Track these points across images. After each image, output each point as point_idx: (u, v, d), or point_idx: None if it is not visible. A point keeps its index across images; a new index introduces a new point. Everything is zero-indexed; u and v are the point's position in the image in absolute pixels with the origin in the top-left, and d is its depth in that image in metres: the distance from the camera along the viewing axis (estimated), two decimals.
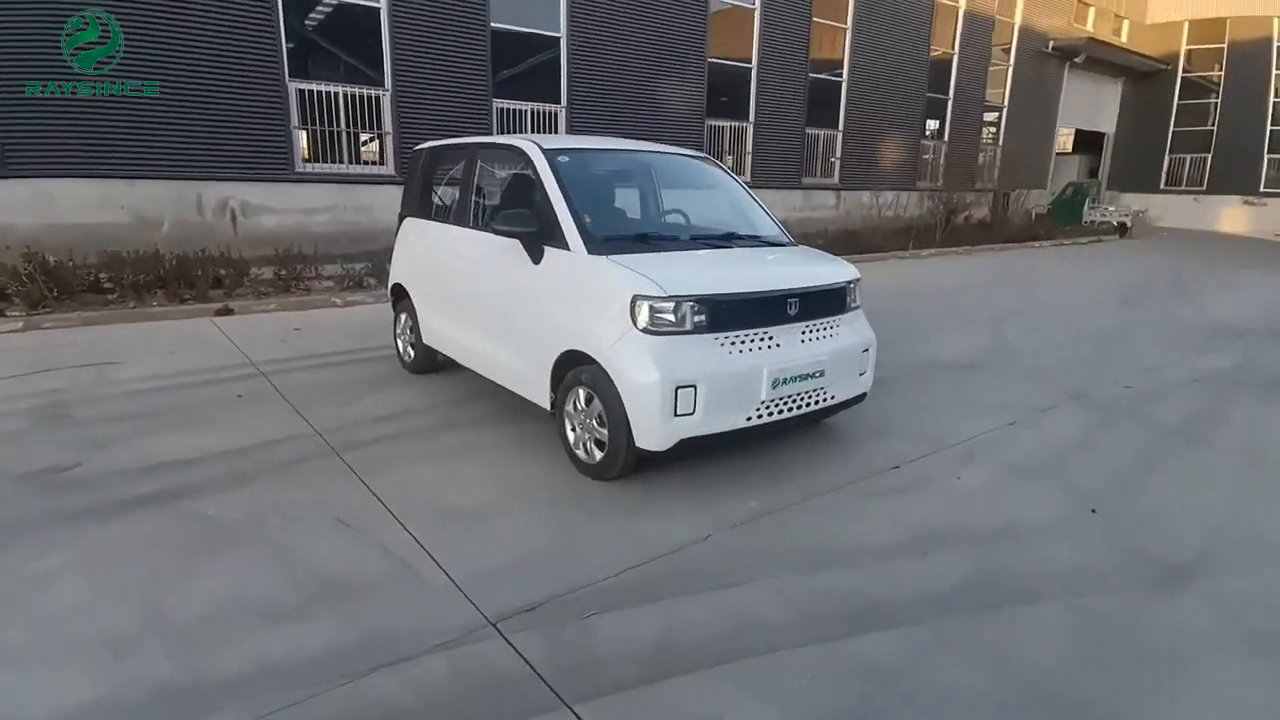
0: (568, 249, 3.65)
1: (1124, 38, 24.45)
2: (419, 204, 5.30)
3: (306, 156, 10.45)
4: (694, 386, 3.28)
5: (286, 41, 9.52)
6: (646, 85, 12.83)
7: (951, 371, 5.75)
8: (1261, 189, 23.12)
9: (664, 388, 3.23)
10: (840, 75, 16.14)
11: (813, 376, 3.65)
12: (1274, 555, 3.10)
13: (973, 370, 5.84)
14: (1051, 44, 21.26)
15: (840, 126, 16.30)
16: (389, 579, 2.76)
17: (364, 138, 10.78)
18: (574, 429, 3.71)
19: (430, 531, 3.10)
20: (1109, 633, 2.53)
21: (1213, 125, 24.20)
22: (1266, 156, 22.99)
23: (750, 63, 14.42)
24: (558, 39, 11.84)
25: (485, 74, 11.10)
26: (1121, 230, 20.35)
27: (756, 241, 4.21)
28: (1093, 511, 3.43)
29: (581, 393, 3.60)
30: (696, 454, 3.64)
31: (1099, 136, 25.75)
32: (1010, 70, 20.49)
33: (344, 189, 10.37)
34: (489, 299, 4.30)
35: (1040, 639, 2.49)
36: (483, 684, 2.21)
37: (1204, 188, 24.49)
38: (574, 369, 3.63)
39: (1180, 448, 4.30)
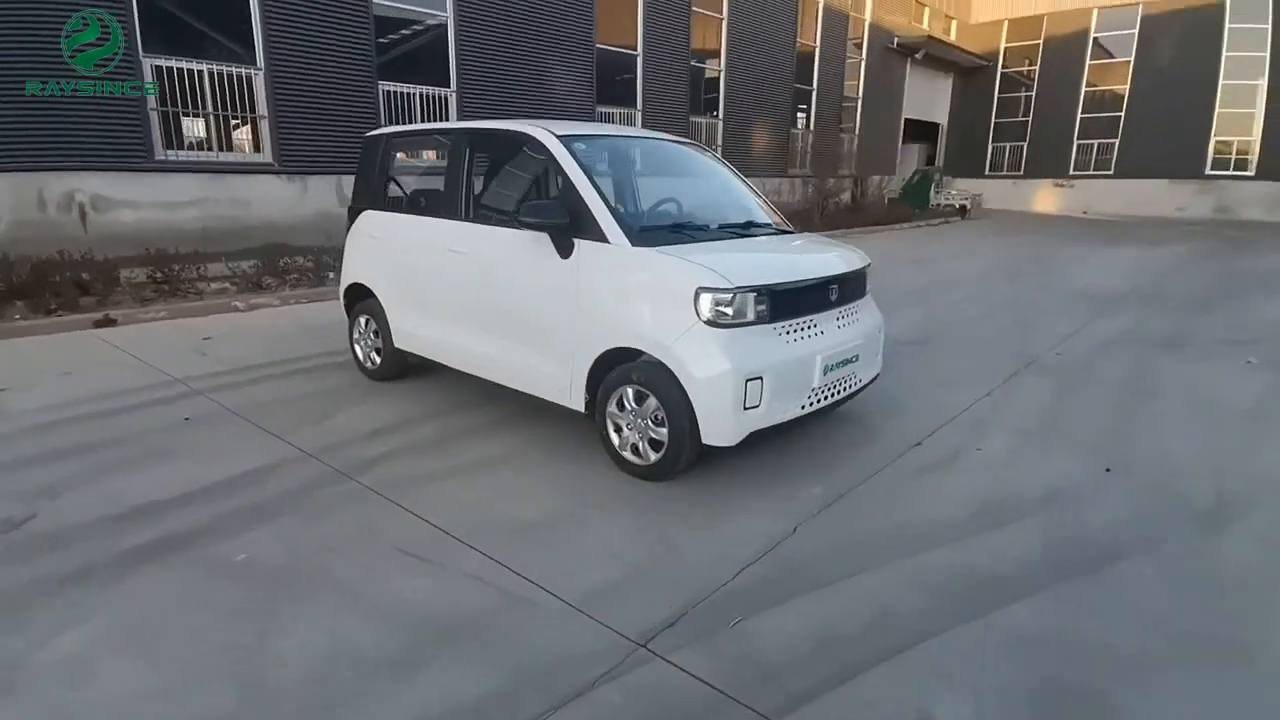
0: (606, 241, 3.44)
1: (953, 36, 26.82)
2: (381, 196, 4.81)
3: (168, 143, 9.20)
4: (760, 378, 3.22)
5: (139, 10, 8.32)
6: (536, 70, 12.47)
7: (908, 349, 6.05)
8: (1070, 172, 26.30)
9: (735, 381, 3.15)
10: (719, 64, 16.52)
11: (851, 361, 3.71)
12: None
13: (926, 346, 6.18)
14: (896, 40, 22.95)
15: (720, 115, 16.72)
16: (497, 609, 2.49)
17: (234, 121, 9.67)
18: (619, 430, 3.53)
19: (509, 552, 2.84)
20: (1199, 574, 2.77)
21: (1027, 116, 27.20)
22: (1076, 142, 26.12)
23: (636, 50, 14.42)
24: (444, 20, 11.25)
25: (369, 56, 10.33)
26: (963, 212, 22.41)
27: (770, 229, 4.19)
28: (1107, 470, 3.73)
29: (631, 391, 3.42)
30: (747, 446, 3.58)
31: (934, 127, 28.16)
32: (863, 64, 21.89)
33: (216, 179, 9.25)
34: (499, 297, 3.97)
35: (1148, 588, 2.67)
36: (673, 712, 2.05)
37: (1021, 172, 27.50)
38: (620, 367, 3.46)
39: (1137, 403, 4.77)
